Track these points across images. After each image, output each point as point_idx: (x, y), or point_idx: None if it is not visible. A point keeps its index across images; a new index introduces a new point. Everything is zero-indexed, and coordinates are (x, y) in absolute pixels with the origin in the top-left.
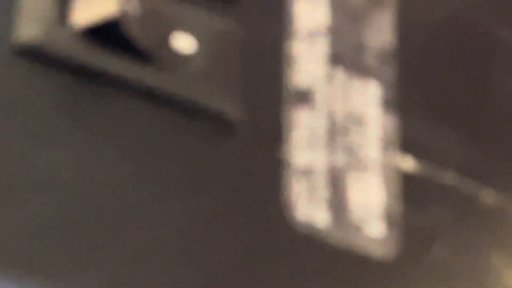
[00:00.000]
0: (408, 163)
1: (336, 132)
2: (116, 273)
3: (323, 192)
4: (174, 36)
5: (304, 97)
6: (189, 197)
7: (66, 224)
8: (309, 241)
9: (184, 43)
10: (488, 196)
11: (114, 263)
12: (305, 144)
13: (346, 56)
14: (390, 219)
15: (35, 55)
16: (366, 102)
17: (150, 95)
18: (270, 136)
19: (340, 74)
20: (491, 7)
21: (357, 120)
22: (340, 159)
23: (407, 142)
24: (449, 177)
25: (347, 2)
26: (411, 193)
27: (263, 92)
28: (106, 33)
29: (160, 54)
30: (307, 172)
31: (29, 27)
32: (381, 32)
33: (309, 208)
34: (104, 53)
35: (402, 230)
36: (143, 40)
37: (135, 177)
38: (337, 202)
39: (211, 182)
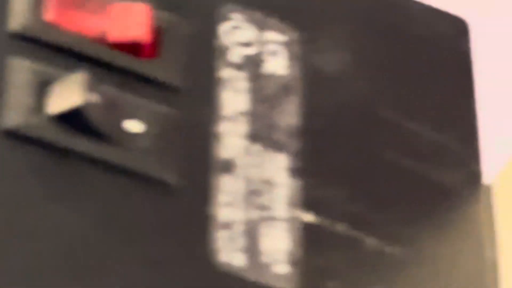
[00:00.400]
0: (309, 217)
1: (252, 194)
2: None
3: (240, 240)
4: (126, 119)
5: (227, 166)
6: (138, 245)
7: (46, 268)
8: (229, 278)
9: (134, 125)
10: (371, 242)
11: None
12: (227, 203)
13: (261, 133)
14: (293, 261)
15: (17, 138)
16: (276, 170)
17: (108, 167)
18: (201, 197)
19: (256, 148)
20: (377, 93)
21: (269, 184)
22: (254, 214)
23: (308, 200)
24: (341, 228)
25: (263, 91)
26: (311, 240)
27: (196, 162)
28: (74, 119)
29: (115, 134)
30: (228, 225)
31: (11, 115)
32: (290, 114)
33: (229, 252)
34: (72, 135)
35: (304, 269)
36: (102, 124)
37: (98, 230)
38: (252, 248)
39: (155, 234)
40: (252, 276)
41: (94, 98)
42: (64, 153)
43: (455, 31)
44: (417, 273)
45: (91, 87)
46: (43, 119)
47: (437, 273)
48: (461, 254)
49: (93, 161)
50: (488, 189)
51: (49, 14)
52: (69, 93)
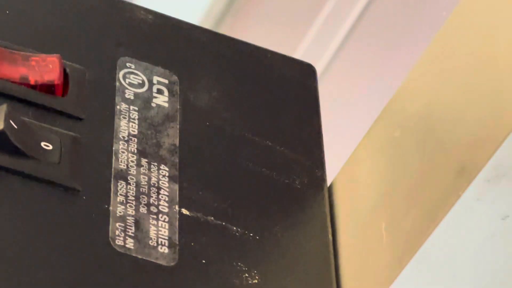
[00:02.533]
0: (185, 212)
1: (142, 194)
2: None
3: (132, 229)
4: (42, 142)
5: (122, 174)
6: (53, 237)
7: None
8: (124, 257)
9: (48, 146)
10: (234, 230)
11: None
12: (122, 202)
13: (149, 150)
14: (173, 244)
15: None
16: (160, 177)
17: (28, 177)
18: (102, 198)
19: (144, 161)
20: (239, 120)
21: (155, 187)
22: (143, 210)
23: (184, 199)
24: (209, 219)
25: (151, 118)
26: (186, 228)
27: (98, 172)
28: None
29: (33, 153)
30: (123, 218)
31: None
32: (171, 136)
33: (124, 238)
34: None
35: (181, 250)
36: (21, 144)
37: (20, 227)
38: (141, 235)
39: (67, 227)
40: (141, 256)
41: (12, 124)
42: None
43: (304, 73)
44: (271, 253)
45: (10, 116)
46: None
47: (290, 252)
48: (309, 238)
49: (18, 173)
50: (330, 188)
51: None
52: None
